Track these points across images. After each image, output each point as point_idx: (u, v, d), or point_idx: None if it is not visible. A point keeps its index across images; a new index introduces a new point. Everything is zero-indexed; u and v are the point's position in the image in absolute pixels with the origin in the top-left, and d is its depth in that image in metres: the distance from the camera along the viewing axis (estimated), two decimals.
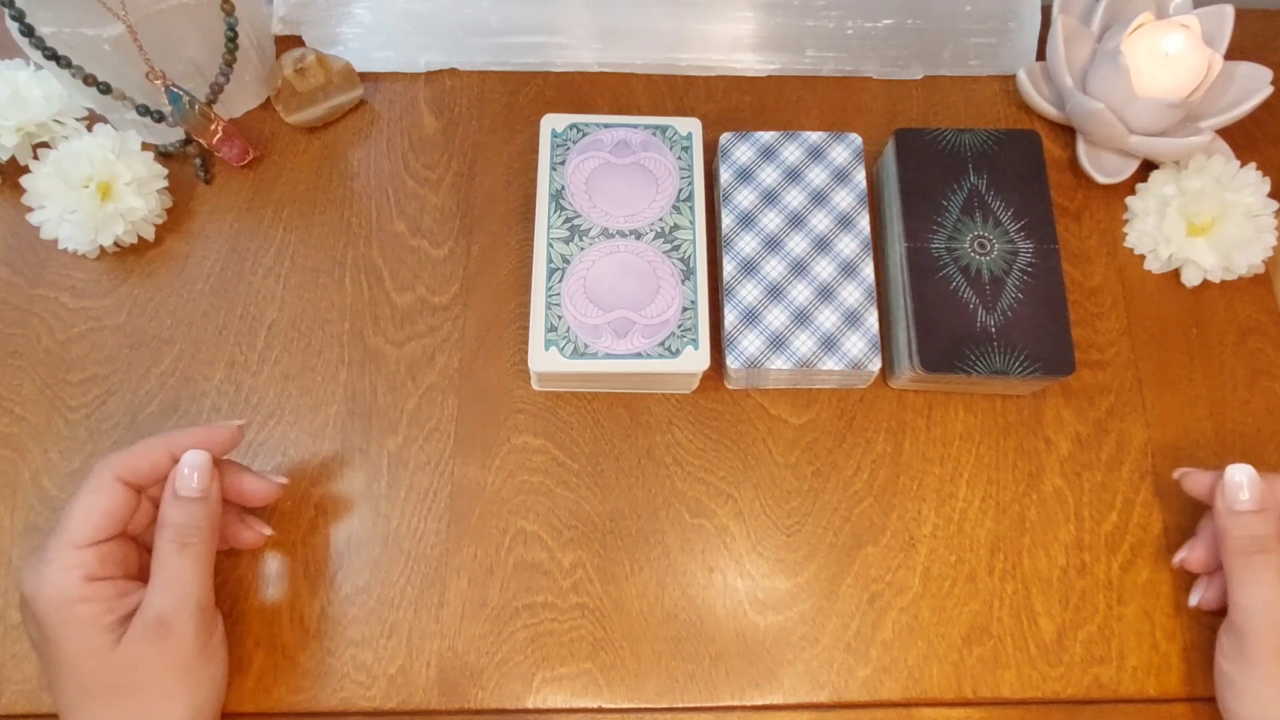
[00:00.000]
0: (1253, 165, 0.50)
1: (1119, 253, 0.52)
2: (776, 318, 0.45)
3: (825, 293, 0.46)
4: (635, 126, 0.48)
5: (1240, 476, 0.40)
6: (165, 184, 0.49)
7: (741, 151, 0.49)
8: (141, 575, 0.38)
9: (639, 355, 0.43)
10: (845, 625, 0.44)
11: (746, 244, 0.47)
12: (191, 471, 0.38)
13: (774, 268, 0.46)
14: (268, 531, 0.43)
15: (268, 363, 0.48)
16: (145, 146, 0.49)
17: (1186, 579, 0.45)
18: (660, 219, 0.46)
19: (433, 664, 0.43)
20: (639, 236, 0.46)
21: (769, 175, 0.48)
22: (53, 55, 0.44)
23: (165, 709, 0.37)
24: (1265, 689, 0.38)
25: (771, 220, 0.47)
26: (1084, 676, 0.44)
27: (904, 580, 0.45)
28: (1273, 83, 0.50)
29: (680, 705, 0.43)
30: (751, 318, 0.45)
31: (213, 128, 0.49)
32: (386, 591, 0.44)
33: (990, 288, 0.46)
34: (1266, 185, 0.50)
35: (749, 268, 0.46)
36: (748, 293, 0.46)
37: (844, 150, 0.49)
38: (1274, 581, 0.38)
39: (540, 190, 0.46)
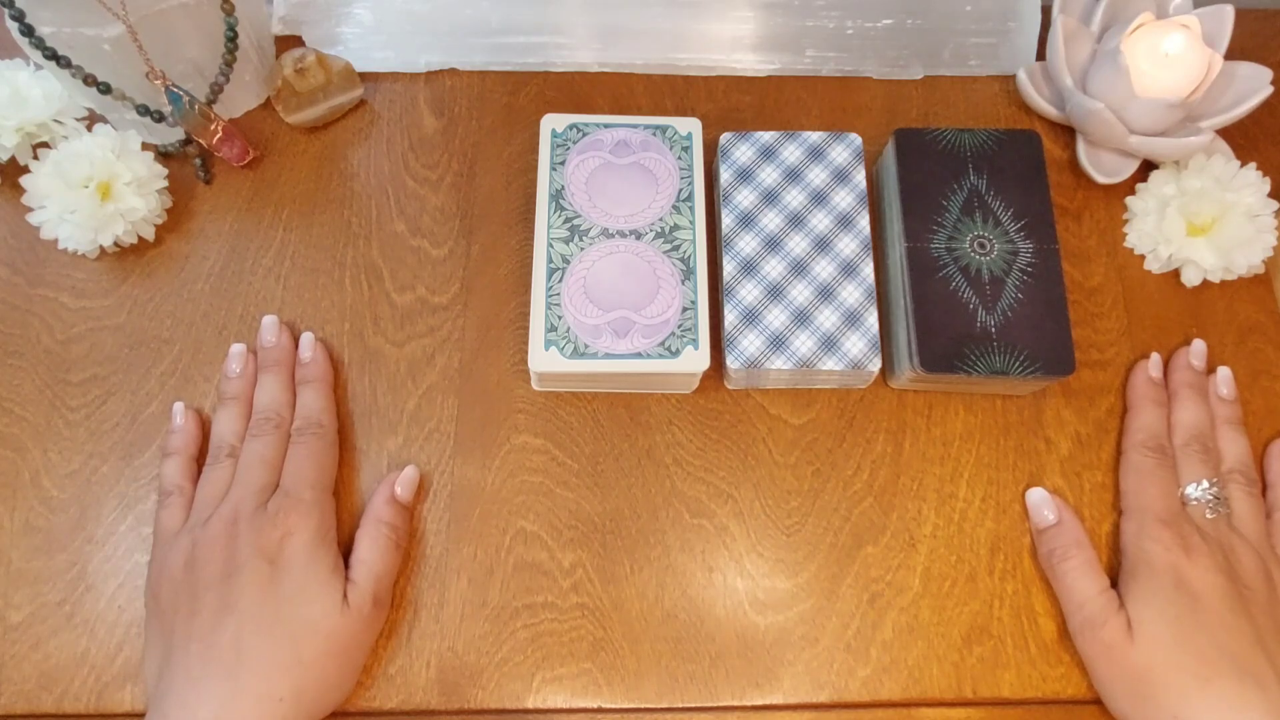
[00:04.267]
0: (1253, 165, 0.50)
1: (1119, 253, 0.52)
2: (776, 318, 0.45)
3: (825, 293, 0.46)
4: (635, 126, 0.48)
5: (1039, 498, 0.46)
6: (165, 184, 0.49)
7: (741, 151, 0.49)
8: None
9: (639, 355, 0.43)
10: (845, 625, 0.44)
11: (746, 244, 0.47)
12: (409, 483, 0.45)
13: (774, 268, 0.46)
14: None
15: None
16: (145, 146, 0.49)
17: None
18: (660, 219, 0.46)
19: (433, 664, 0.43)
20: (639, 236, 0.46)
21: (769, 175, 0.48)
22: (53, 55, 0.44)
23: (335, 691, 0.40)
24: (1095, 670, 0.42)
25: (771, 220, 0.47)
26: (1084, 677, 0.43)
27: (904, 580, 0.45)
28: (1273, 83, 0.50)
29: (680, 705, 0.43)
30: (751, 318, 0.45)
31: (213, 128, 0.49)
32: None
33: (990, 288, 0.46)
34: (1266, 185, 0.50)
35: (749, 268, 0.46)
36: (748, 293, 0.46)
37: (844, 150, 0.49)
38: (1084, 579, 0.43)
39: (540, 190, 0.46)
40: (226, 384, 0.46)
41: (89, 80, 0.45)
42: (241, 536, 0.40)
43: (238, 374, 0.46)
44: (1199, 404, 0.47)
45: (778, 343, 0.45)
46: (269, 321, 0.47)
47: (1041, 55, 0.55)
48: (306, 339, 0.47)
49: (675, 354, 0.43)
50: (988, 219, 0.47)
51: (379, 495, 0.44)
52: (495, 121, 0.53)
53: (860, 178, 0.48)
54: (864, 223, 0.47)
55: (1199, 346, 0.48)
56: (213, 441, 0.45)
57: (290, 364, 0.47)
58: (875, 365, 0.45)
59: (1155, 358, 0.48)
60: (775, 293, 0.46)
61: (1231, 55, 0.50)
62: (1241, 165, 0.50)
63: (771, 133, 0.49)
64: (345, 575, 0.41)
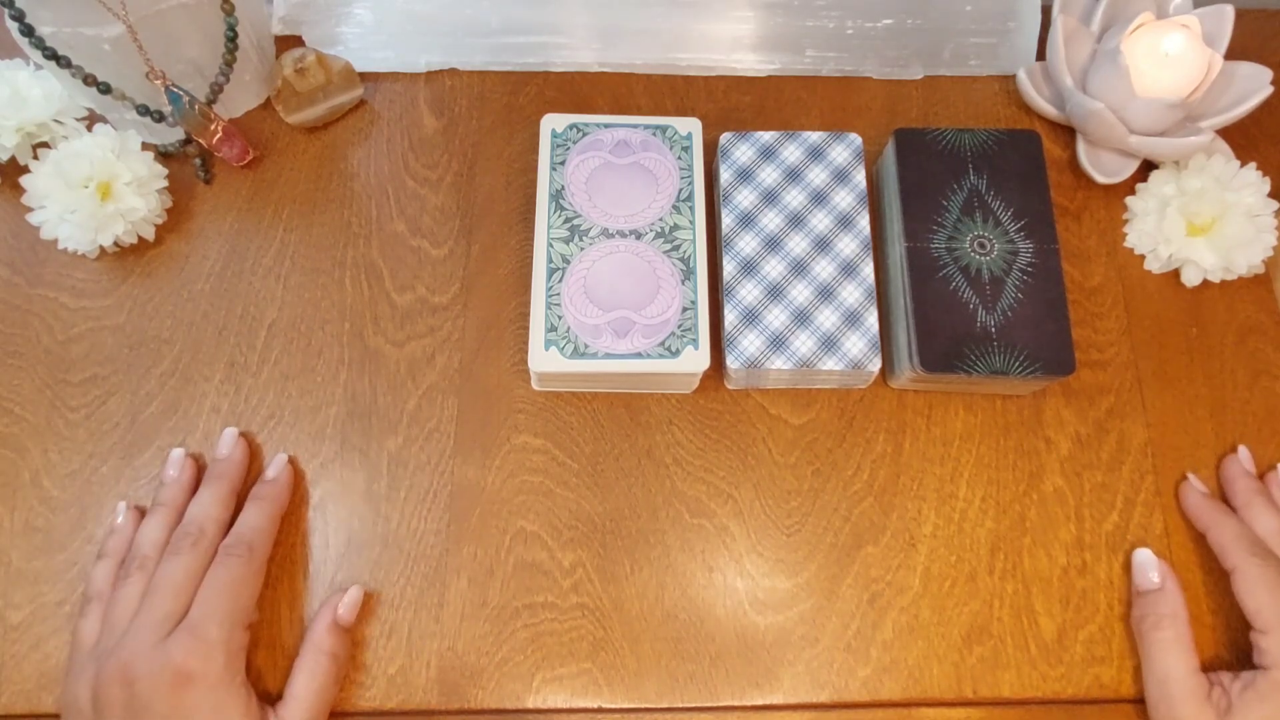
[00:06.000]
0: (1253, 165, 0.50)
1: (1119, 253, 0.52)
2: (776, 318, 0.45)
3: (825, 293, 0.46)
4: (635, 126, 0.48)
5: (1146, 559, 0.44)
6: (165, 184, 0.49)
7: (741, 151, 0.49)
8: None
9: (639, 355, 0.43)
10: (845, 625, 0.44)
11: (746, 244, 0.47)
12: (352, 606, 0.43)
13: (774, 268, 0.46)
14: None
15: (268, 363, 0.48)
16: (145, 146, 0.49)
17: (1187, 581, 0.45)
18: (660, 219, 0.46)
19: (433, 664, 0.43)
20: (639, 236, 0.46)
21: (769, 175, 0.48)
22: (53, 55, 0.44)
23: None
24: None
25: (771, 220, 0.47)
26: (1084, 676, 0.44)
27: (904, 580, 0.45)
28: (1273, 83, 0.50)
29: (680, 705, 0.43)
30: (751, 318, 0.45)
31: (213, 128, 0.49)
32: (386, 591, 0.44)
33: (990, 288, 0.46)
34: (1266, 185, 0.50)
35: (749, 268, 0.46)
36: (748, 293, 0.46)
37: (844, 150, 0.49)
38: (1171, 655, 0.41)
39: (540, 190, 0.46)
40: (161, 489, 0.44)
41: (89, 80, 0.45)
42: (139, 680, 0.37)
43: (174, 480, 0.44)
44: (1273, 510, 0.44)
45: (778, 343, 0.45)
46: (229, 433, 0.45)
47: (1041, 55, 0.55)
48: (279, 460, 0.45)
49: (675, 354, 0.43)
50: (988, 219, 0.47)
51: (320, 621, 0.42)
52: (495, 121, 0.53)
53: (860, 178, 0.48)
54: (864, 223, 0.47)
55: (1246, 453, 0.47)
56: (131, 549, 0.42)
57: (237, 481, 0.44)
58: (875, 365, 0.45)
59: (1193, 479, 0.47)
60: (775, 293, 0.46)
61: (1231, 55, 0.50)
62: (1241, 165, 0.50)
63: (771, 133, 0.49)
64: (265, 714, 0.39)
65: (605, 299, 0.44)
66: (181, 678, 0.37)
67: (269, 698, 0.41)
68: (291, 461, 0.46)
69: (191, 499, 0.43)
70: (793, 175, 0.48)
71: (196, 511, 0.42)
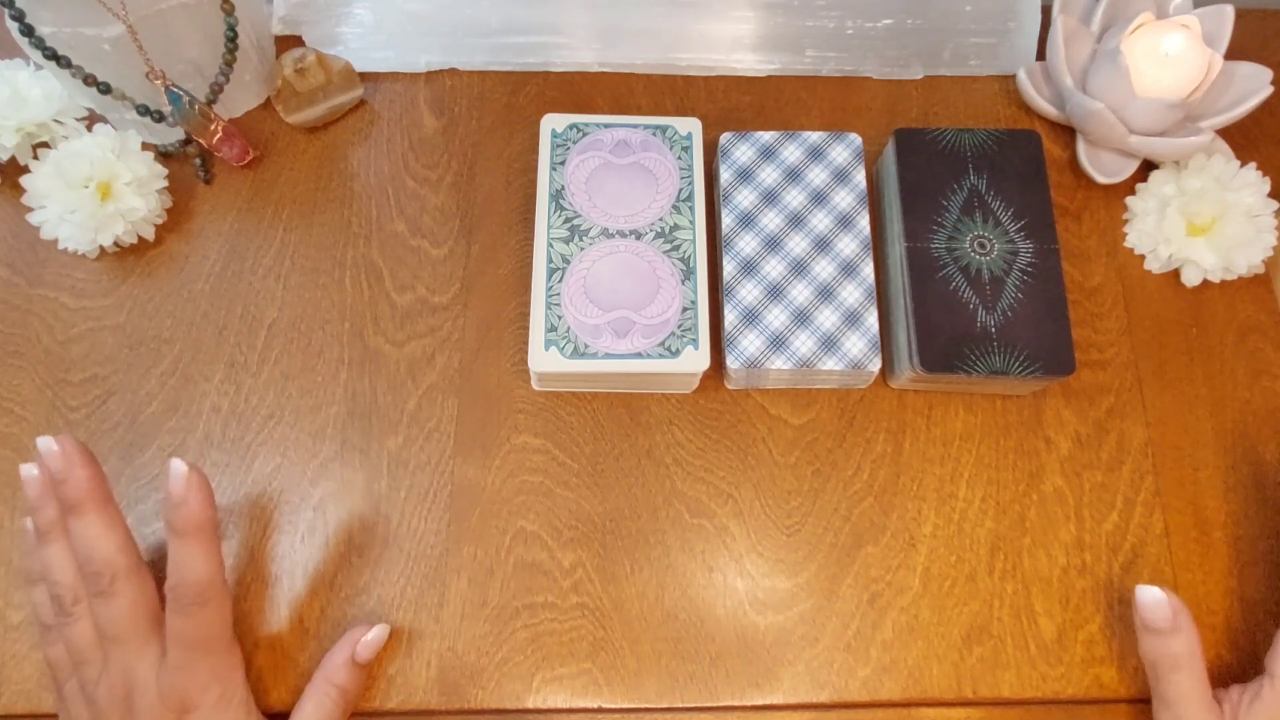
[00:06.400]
0: (1253, 165, 0.50)
1: (1119, 253, 0.52)
2: (776, 318, 0.45)
3: (825, 293, 0.46)
4: (635, 126, 0.48)
5: (1154, 599, 0.40)
6: (165, 184, 0.49)
7: (741, 151, 0.49)
8: None
9: (639, 355, 0.43)
10: (845, 625, 0.44)
11: (746, 244, 0.47)
12: (373, 646, 0.42)
13: (774, 268, 0.46)
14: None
15: (268, 363, 0.48)
16: (145, 146, 0.49)
17: (1188, 580, 0.45)
18: (660, 219, 0.46)
19: (433, 664, 0.43)
20: (639, 236, 0.46)
21: (769, 175, 0.48)
22: (53, 55, 0.44)
23: None
24: None
25: (771, 220, 0.47)
26: (1084, 676, 0.44)
27: (904, 580, 0.45)
28: (1273, 83, 0.50)
29: (680, 705, 0.43)
30: (751, 318, 0.45)
31: (213, 128, 0.49)
32: (386, 591, 0.44)
33: (990, 288, 0.46)
34: (1266, 185, 0.50)
35: (749, 268, 0.46)
36: (748, 293, 0.46)
37: (844, 150, 0.49)
38: (1185, 697, 0.40)
39: (540, 190, 0.46)
40: (36, 514, 0.39)
41: (89, 80, 0.45)
42: (136, 688, 0.37)
43: (41, 500, 0.38)
44: None
45: (778, 343, 0.45)
46: (43, 443, 0.37)
47: (1041, 55, 0.55)
48: (176, 473, 0.37)
49: (675, 354, 0.43)
50: (988, 219, 0.47)
51: (338, 654, 0.41)
52: (495, 121, 0.53)
53: (860, 178, 0.48)
54: (864, 223, 0.47)
55: None
56: (52, 587, 0.38)
57: (101, 495, 0.38)
58: (875, 365, 0.45)
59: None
60: (775, 293, 0.46)
61: (1231, 55, 0.50)
62: (1241, 165, 0.50)
63: (771, 133, 0.49)
64: None
65: (605, 299, 0.44)
66: (179, 710, 0.37)
67: (269, 704, 0.41)
68: (193, 467, 0.37)
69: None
70: (793, 175, 0.48)
71: (94, 553, 0.37)
